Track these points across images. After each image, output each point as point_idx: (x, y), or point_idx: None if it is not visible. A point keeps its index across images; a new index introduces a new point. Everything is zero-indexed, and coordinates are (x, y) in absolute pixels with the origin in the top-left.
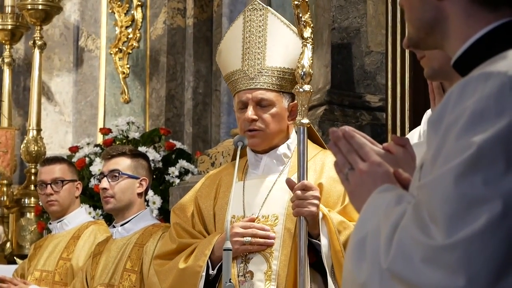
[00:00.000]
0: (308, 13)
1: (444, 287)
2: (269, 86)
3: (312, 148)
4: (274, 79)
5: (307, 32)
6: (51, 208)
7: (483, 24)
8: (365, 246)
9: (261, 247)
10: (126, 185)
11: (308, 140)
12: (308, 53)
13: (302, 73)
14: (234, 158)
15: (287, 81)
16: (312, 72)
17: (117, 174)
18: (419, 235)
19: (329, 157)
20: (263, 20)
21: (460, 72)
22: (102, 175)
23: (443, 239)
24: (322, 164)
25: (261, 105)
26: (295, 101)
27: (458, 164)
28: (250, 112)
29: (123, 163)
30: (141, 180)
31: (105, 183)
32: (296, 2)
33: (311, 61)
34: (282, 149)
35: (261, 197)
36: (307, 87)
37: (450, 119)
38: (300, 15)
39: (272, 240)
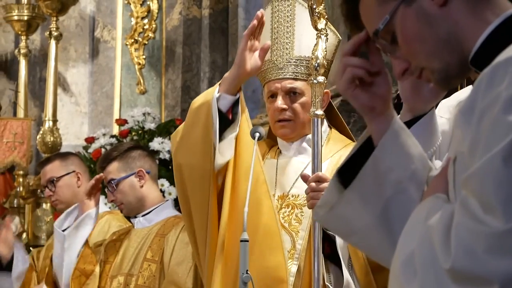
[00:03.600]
0: (323, 4)
1: None
2: (298, 76)
3: (341, 140)
4: (303, 68)
5: (321, 24)
6: (57, 207)
7: (490, 16)
8: (413, 262)
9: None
10: (125, 188)
11: (337, 133)
12: (322, 44)
13: (316, 65)
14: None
15: None
16: (326, 63)
17: (113, 183)
18: (476, 226)
19: None
20: (291, 10)
21: (479, 67)
22: (106, 187)
23: (503, 224)
24: None
25: (291, 94)
26: (326, 90)
27: (504, 146)
28: (279, 102)
29: (113, 169)
30: (138, 173)
31: (109, 195)
32: None
33: (325, 52)
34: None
35: (293, 176)
36: (321, 79)
37: (483, 106)
38: (314, 6)
39: None
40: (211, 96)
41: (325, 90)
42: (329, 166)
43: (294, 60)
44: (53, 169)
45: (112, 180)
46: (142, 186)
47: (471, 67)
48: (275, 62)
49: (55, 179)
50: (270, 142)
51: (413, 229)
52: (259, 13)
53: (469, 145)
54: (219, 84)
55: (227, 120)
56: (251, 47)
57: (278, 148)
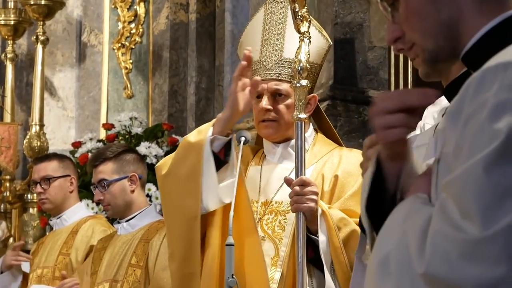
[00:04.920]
0: (305, 7)
1: (486, 279)
2: (285, 77)
3: (327, 144)
4: (290, 70)
5: (304, 27)
6: (43, 206)
7: (495, 13)
8: (388, 264)
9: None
10: (116, 190)
11: (324, 137)
12: (305, 47)
13: (299, 68)
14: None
15: None
16: (309, 67)
17: (104, 183)
18: (452, 232)
19: (345, 153)
20: (283, 12)
21: (470, 66)
22: (93, 185)
23: (480, 232)
24: (340, 158)
25: (276, 96)
26: (313, 94)
27: (487, 154)
28: (264, 102)
29: (107, 170)
30: (130, 177)
31: (97, 194)
32: None
33: (308, 55)
34: None
35: (276, 183)
36: (304, 82)
37: (469, 111)
38: (297, 9)
39: None
40: (204, 136)
41: (313, 94)
42: (314, 172)
43: (282, 61)
44: (51, 167)
45: (103, 180)
46: (133, 191)
47: (461, 63)
48: (264, 63)
49: (51, 178)
50: (255, 148)
51: (391, 229)
52: (246, 52)
53: (453, 149)
54: (213, 125)
55: (219, 161)
56: (243, 86)
57: (263, 153)
